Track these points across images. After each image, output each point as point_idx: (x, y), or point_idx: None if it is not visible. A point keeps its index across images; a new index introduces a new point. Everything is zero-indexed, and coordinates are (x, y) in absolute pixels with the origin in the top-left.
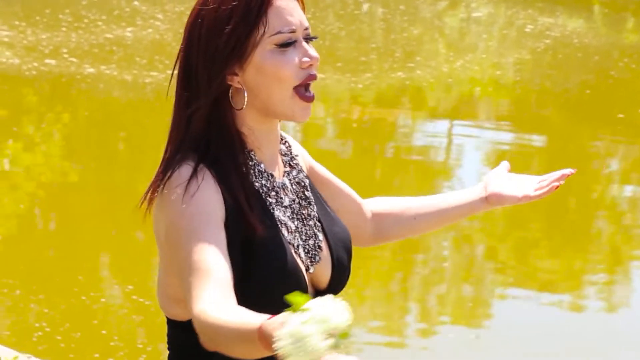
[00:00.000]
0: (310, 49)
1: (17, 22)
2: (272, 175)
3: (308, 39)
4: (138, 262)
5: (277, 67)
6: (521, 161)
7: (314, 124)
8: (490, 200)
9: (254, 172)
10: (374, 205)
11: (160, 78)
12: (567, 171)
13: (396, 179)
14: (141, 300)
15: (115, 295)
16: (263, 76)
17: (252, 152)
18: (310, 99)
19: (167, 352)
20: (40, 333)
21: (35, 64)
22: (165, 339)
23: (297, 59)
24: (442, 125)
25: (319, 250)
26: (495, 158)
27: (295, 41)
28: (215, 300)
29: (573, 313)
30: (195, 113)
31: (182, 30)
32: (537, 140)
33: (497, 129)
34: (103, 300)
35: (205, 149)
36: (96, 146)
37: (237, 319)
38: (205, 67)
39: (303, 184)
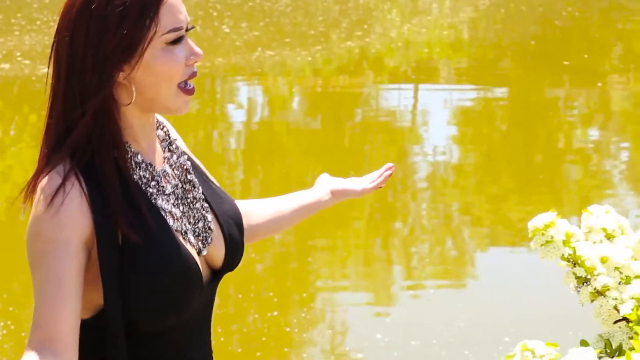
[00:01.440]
0: (194, 45)
1: None
2: (150, 165)
3: (187, 30)
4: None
5: (166, 65)
6: (487, 115)
7: (280, 97)
8: (335, 194)
9: (132, 164)
10: (243, 207)
11: None
12: (389, 166)
13: (366, 145)
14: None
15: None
16: (152, 74)
17: (128, 144)
18: (192, 92)
19: None
20: None
21: None
22: None
23: (183, 57)
24: (406, 88)
25: (209, 231)
26: (461, 116)
27: (182, 38)
28: None
29: (550, 266)
30: (86, 111)
31: None
32: (498, 93)
33: (458, 88)
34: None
35: (83, 149)
36: None
37: None
38: (95, 66)
39: (185, 166)
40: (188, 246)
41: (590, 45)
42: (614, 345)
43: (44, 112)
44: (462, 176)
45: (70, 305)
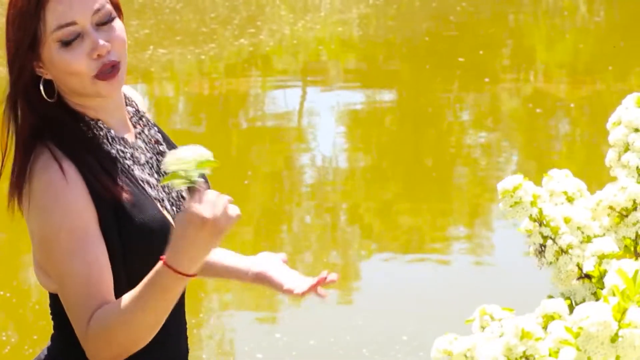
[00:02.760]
0: (101, 36)
1: None
2: (123, 139)
3: (103, 23)
4: None
5: (66, 63)
6: (374, 118)
7: (165, 100)
8: (259, 277)
9: (107, 140)
10: None
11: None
12: (326, 275)
13: (253, 148)
14: (1, 293)
15: None
16: (58, 71)
17: (100, 122)
18: (109, 77)
19: (52, 323)
20: None
21: None
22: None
23: (84, 52)
24: (293, 89)
25: (182, 199)
26: (348, 118)
27: (79, 33)
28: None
29: (441, 269)
30: (15, 103)
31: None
32: (388, 95)
33: (347, 88)
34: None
35: (50, 135)
36: None
37: (134, 290)
38: (10, 62)
39: (156, 139)
40: (165, 212)
41: (485, 42)
42: (578, 301)
43: None
44: (350, 181)
45: (109, 280)
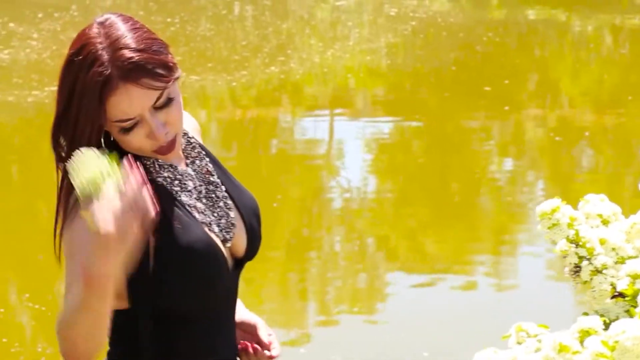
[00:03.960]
0: (160, 117)
1: None
2: (172, 166)
3: (161, 107)
4: (33, 274)
5: (127, 143)
6: (401, 145)
7: (205, 125)
8: (245, 322)
9: (155, 168)
10: None
11: (42, 96)
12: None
13: (282, 176)
14: (37, 307)
15: (13, 305)
16: (121, 143)
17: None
18: (167, 150)
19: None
20: None
21: None
22: None
23: (143, 136)
24: (322, 118)
25: (232, 226)
26: (376, 146)
27: (138, 122)
28: None
29: (465, 294)
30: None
31: (56, 47)
32: (415, 124)
33: (375, 116)
34: (2, 310)
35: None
36: None
37: None
38: (72, 122)
39: (207, 169)
40: (213, 235)
41: (510, 71)
42: (612, 319)
43: None
44: (377, 208)
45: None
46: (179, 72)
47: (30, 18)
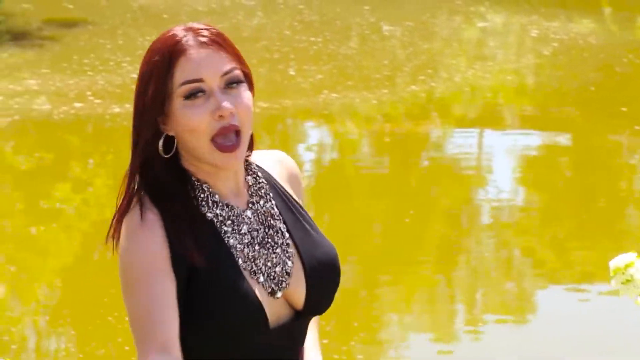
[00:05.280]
0: (227, 98)
1: (44, 70)
2: (228, 205)
3: (230, 86)
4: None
5: (187, 119)
6: (551, 162)
7: (349, 141)
8: None
9: (207, 203)
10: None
11: None
12: None
13: (433, 190)
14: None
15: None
16: (180, 127)
17: (206, 185)
18: (228, 149)
19: None
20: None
21: (65, 108)
22: None
23: (206, 111)
24: (472, 133)
25: (286, 276)
26: (525, 162)
27: (204, 91)
28: None
29: (611, 303)
30: (135, 160)
31: None
32: (563, 140)
33: (521, 133)
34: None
35: (155, 187)
36: None
37: None
38: (137, 119)
39: (271, 213)
40: (255, 285)
41: None
42: None
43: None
44: (525, 220)
45: (173, 318)
46: (250, 79)
47: None
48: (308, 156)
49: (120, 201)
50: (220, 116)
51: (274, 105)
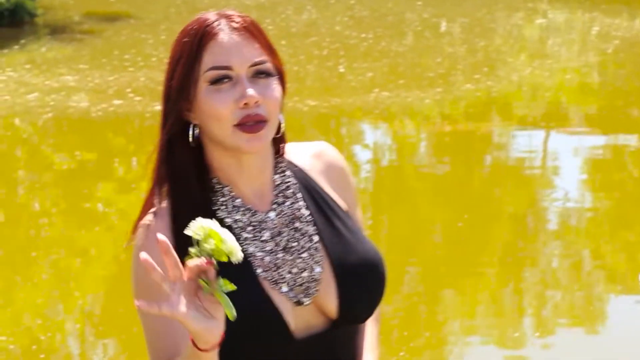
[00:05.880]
0: (255, 88)
1: (83, 66)
2: (249, 210)
3: (259, 77)
4: None
5: (212, 105)
6: (618, 163)
7: (409, 139)
8: None
9: (227, 208)
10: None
11: None
12: None
13: (496, 190)
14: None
15: None
16: (204, 114)
17: (228, 188)
18: (253, 129)
19: None
20: None
21: (103, 106)
22: None
23: (231, 98)
24: (535, 134)
25: (314, 282)
26: (591, 163)
27: (231, 78)
28: None
29: None
30: (158, 151)
31: None
32: (631, 140)
33: (589, 134)
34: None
35: (172, 187)
36: None
37: None
38: (163, 104)
39: (297, 215)
40: (275, 295)
41: None
42: None
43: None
44: (593, 221)
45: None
46: (282, 74)
47: None
48: (363, 156)
49: (146, 199)
50: (245, 104)
51: (322, 103)
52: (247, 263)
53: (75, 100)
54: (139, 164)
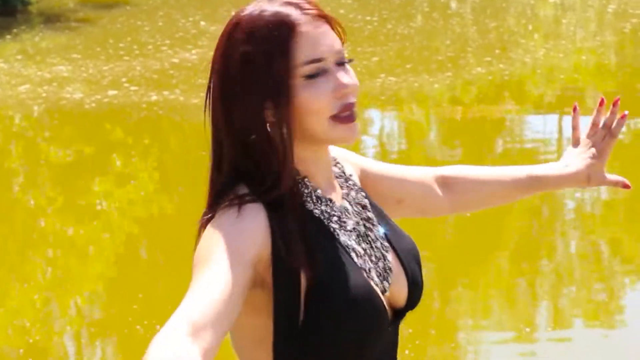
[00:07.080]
0: (345, 75)
1: (76, 56)
2: (330, 200)
3: (342, 63)
4: None
5: (308, 100)
6: (636, 147)
7: (418, 126)
8: (592, 181)
9: (312, 199)
10: (448, 171)
11: None
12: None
13: None
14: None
15: None
16: (297, 110)
17: (307, 179)
18: (350, 119)
19: None
20: None
21: (97, 97)
22: None
23: (328, 89)
24: (550, 116)
25: (389, 271)
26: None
27: (324, 70)
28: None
29: None
30: (229, 149)
31: None
32: None
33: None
34: (158, 327)
35: (259, 182)
36: (187, 174)
37: None
38: (230, 104)
39: (363, 204)
40: (372, 284)
41: None
42: None
43: (164, 141)
44: (610, 211)
45: (225, 304)
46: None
47: (223, 17)
48: (370, 143)
49: (211, 200)
50: (344, 94)
51: None
52: (345, 253)
53: (69, 92)
54: (137, 156)
